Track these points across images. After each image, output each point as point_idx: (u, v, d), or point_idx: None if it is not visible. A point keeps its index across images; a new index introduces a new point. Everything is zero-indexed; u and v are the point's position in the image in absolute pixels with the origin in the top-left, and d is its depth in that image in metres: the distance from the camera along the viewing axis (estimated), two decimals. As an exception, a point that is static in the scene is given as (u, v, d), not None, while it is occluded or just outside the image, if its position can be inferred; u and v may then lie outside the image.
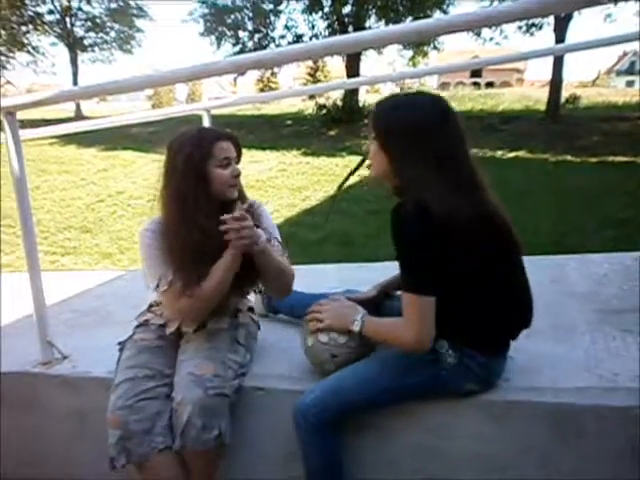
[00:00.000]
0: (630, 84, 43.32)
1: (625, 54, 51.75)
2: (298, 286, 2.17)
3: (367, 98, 19.07)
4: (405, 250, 1.33)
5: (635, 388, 1.45)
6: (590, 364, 1.60)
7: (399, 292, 1.60)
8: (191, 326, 1.70)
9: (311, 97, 18.97)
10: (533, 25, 16.55)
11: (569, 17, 14.64)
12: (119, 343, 1.78)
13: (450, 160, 1.36)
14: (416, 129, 1.35)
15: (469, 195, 1.34)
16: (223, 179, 1.61)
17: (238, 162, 1.70)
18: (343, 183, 1.69)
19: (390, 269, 1.72)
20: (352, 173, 1.60)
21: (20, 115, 1.80)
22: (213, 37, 18.30)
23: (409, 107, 1.40)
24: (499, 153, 10.96)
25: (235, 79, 20.19)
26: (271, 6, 17.40)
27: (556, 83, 15.30)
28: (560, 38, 14.59)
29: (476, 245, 1.33)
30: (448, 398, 1.50)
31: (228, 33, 18.15)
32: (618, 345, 1.72)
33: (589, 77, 53.87)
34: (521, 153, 10.70)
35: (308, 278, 2.63)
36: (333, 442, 1.50)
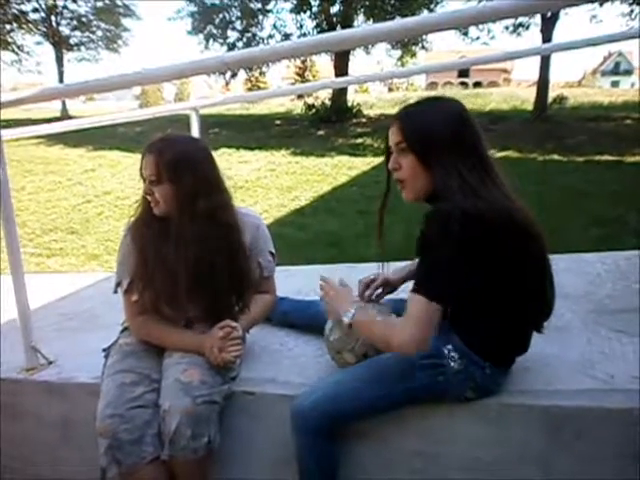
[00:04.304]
0: (615, 84, 43.87)
1: (610, 55, 52.37)
2: (288, 287, 2.15)
3: (356, 97, 19.10)
4: (436, 253, 1.25)
5: (632, 390, 1.44)
6: (586, 365, 1.59)
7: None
8: None
9: (299, 97, 18.95)
10: (520, 25, 16.64)
11: (555, 17, 14.74)
12: (104, 350, 1.74)
13: (481, 161, 1.35)
14: (455, 136, 1.33)
15: (502, 195, 1.32)
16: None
17: (158, 180, 1.55)
18: (383, 207, 1.56)
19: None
20: (386, 197, 1.54)
21: (5, 115, 1.74)
22: (201, 36, 18.20)
23: (440, 115, 1.36)
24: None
25: (227, 83, 19.95)
26: (259, 5, 17.33)
27: (543, 83, 15.41)
28: (547, 38, 14.68)
29: (510, 246, 1.30)
30: (444, 403, 1.47)
31: (216, 32, 18.05)
32: (614, 346, 1.70)
33: (575, 77, 54.44)
34: (509, 153, 10.73)
35: (297, 279, 2.61)
36: (330, 447, 1.47)
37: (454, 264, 1.25)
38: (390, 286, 1.72)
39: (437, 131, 1.33)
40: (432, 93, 25.07)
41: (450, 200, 1.27)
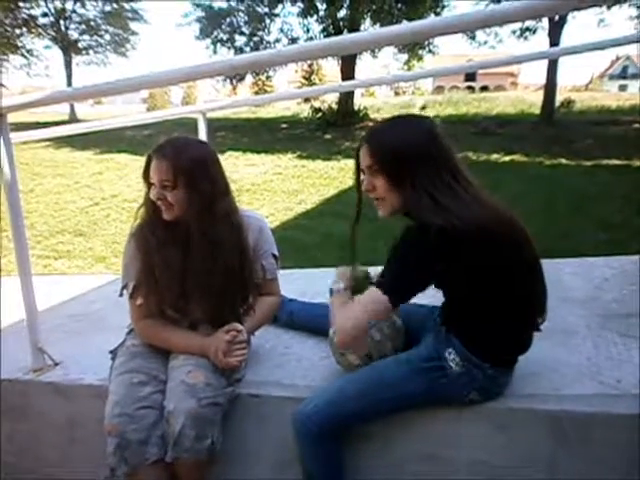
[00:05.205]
0: (623, 88, 43.64)
1: (618, 58, 52.13)
2: (295, 290, 2.16)
3: (362, 101, 19.11)
4: (405, 258, 1.32)
5: (638, 395, 1.43)
6: (593, 370, 1.58)
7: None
8: None
9: (306, 100, 18.98)
10: (527, 29, 16.61)
11: (563, 21, 14.71)
12: (110, 352, 1.75)
13: (454, 175, 1.36)
14: (424, 155, 1.35)
15: (478, 205, 1.34)
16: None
17: (173, 186, 1.52)
18: (356, 222, 1.73)
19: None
20: (358, 214, 1.67)
21: (14, 118, 1.76)
22: (209, 41, 18.29)
23: (409, 135, 1.38)
24: (494, 157, 10.97)
25: (235, 87, 20.01)
26: (266, 9, 17.40)
27: (550, 87, 15.36)
28: (554, 42, 14.65)
29: (492, 253, 1.32)
30: (449, 406, 1.47)
31: (224, 37, 18.14)
32: (620, 351, 1.69)
33: (582, 81, 54.25)
34: (516, 157, 10.71)
35: (305, 282, 2.60)
36: (334, 451, 1.48)
37: (416, 273, 1.33)
38: None
39: (406, 152, 1.35)
40: (439, 97, 25.06)
41: (422, 218, 1.30)
